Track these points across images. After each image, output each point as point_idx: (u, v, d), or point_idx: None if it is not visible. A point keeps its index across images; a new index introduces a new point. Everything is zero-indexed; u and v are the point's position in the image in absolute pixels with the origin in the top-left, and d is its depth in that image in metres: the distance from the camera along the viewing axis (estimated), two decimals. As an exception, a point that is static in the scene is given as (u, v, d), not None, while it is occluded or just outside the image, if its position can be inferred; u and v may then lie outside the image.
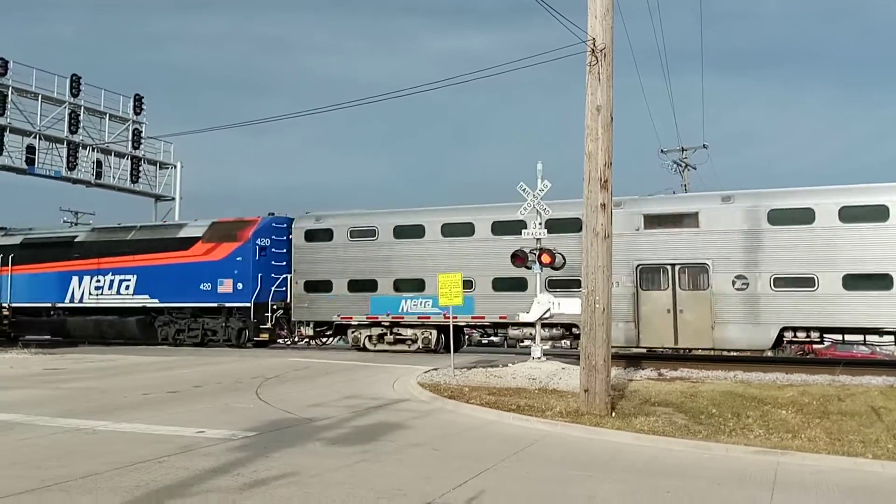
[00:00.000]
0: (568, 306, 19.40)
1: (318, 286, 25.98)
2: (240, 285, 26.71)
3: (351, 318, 25.64)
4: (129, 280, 28.65)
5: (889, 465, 9.98)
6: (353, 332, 25.91)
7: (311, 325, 26.45)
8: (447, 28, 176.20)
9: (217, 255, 27.40)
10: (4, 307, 30.78)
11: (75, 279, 29.69)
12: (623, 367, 19.63)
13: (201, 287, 27.31)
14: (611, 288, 13.87)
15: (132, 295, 28.61)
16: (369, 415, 13.32)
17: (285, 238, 27.08)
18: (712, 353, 23.91)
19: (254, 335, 26.83)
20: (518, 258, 20.12)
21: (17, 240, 31.52)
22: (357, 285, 25.49)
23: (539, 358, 19.72)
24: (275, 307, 26.75)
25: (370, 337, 25.51)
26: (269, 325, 26.75)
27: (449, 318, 19.58)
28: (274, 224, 27.48)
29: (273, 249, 27.00)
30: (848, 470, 9.92)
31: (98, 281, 29.22)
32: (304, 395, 15.50)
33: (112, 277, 28.99)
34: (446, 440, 11.47)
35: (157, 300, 28.34)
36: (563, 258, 20.33)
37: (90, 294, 29.41)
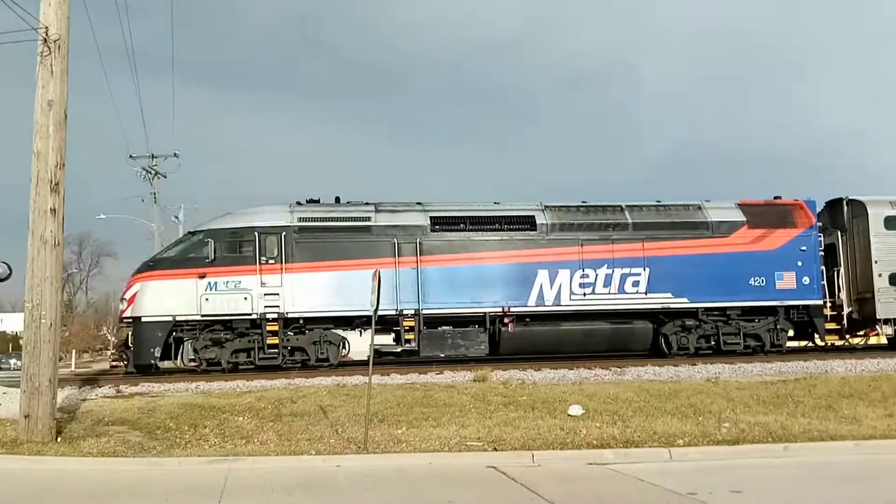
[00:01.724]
0: (15, 323, 17.26)
1: None
2: (805, 280, 22.49)
3: None
4: (639, 274, 21.78)
5: (329, 459, 10.85)
6: None
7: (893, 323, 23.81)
8: None
9: (771, 243, 22.64)
10: (408, 314, 20.93)
11: (543, 273, 21.45)
12: (78, 386, 18.10)
13: (751, 282, 22.17)
14: (60, 301, 12.62)
15: (644, 294, 21.80)
16: None
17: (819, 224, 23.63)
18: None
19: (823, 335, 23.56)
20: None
21: (420, 219, 21.77)
22: None
23: (-26, 384, 17.11)
24: (830, 304, 23.22)
25: None
26: (836, 325, 23.47)
27: None
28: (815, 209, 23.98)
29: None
30: (294, 468, 10.50)
31: (585, 276, 21.54)
32: None
33: (608, 271, 21.72)
34: None
35: (684, 299, 21.90)
36: (9, 268, 17.98)
37: (573, 294, 21.47)
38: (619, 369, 20.07)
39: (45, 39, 12.32)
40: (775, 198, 24.34)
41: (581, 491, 8.94)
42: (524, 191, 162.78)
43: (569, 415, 13.71)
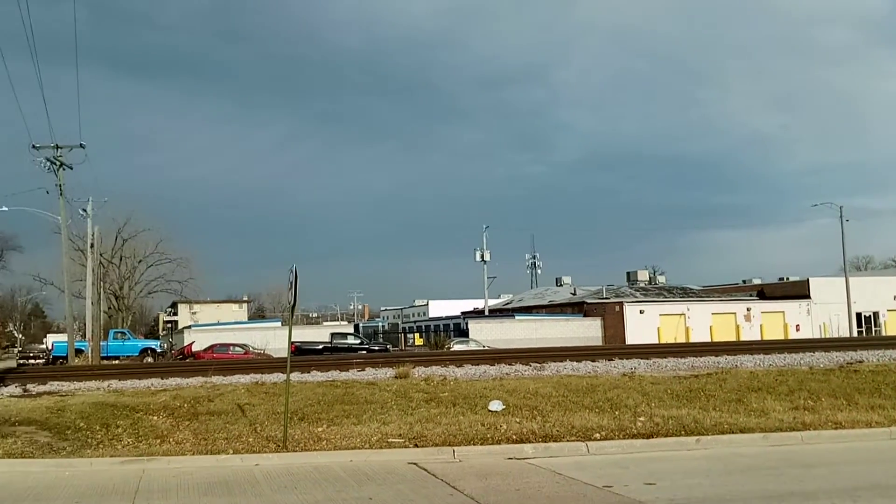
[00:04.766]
0: None
1: None
2: None
3: None
4: None
5: (247, 458, 10.65)
6: None
7: None
8: None
9: None
10: None
11: None
12: (-18, 385, 17.34)
13: None
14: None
15: None
16: None
17: None
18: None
19: None
20: None
21: None
22: None
23: None
24: None
25: None
26: None
27: None
28: None
29: None
30: (211, 467, 10.27)
31: None
32: None
33: None
34: None
35: None
36: None
37: None
38: (538, 365, 20.38)
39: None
40: None
41: (500, 485, 9.02)
42: (451, 187, 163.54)
43: (489, 410, 13.82)
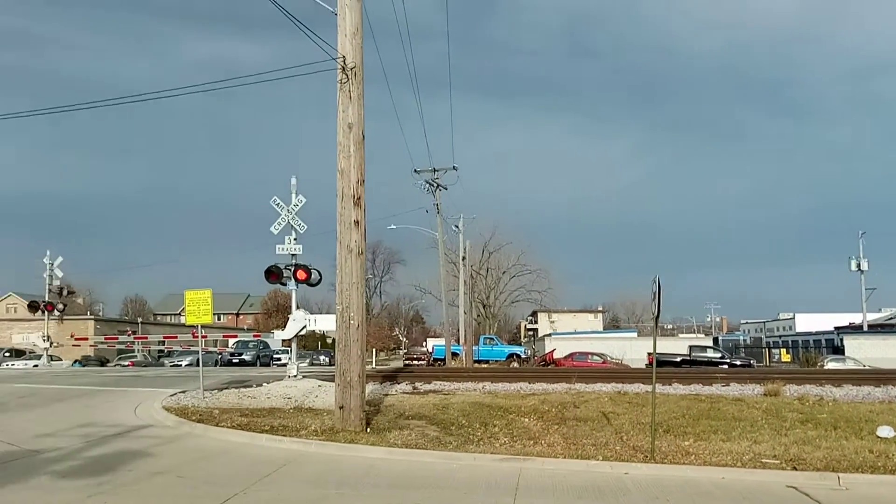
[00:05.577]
0: (324, 323, 19.30)
1: None
2: None
3: None
4: None
5: (616, 466, 10.87)
6: None
7: None
8: (209, 34, 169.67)
9: None
10: None
11: None
12: (380, 382, 19.81)
13: None
14: (365, 304, 13.92)
15: None
16: (107, 443, 12.28)
17: None
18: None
19: None
20: (272, 275, 19.68)
21: None
22: None
23: (295, 376, 19.38)
24: None
25: None
26: None
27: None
28: None
29: None
30: (581, 471, 10.67)
31: None
32: (31, 425, 13.98)
33: None
34: (193, 466, 10.84)
35: None
36: (320, 274, 20.17)
37: None
38: (937, 389, 17.94)
39: (343, 68, 13.68)
40: None
41: (898, 520, 8.17)
42: (817, 190, 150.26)
43: (878, 436, 12.53)
